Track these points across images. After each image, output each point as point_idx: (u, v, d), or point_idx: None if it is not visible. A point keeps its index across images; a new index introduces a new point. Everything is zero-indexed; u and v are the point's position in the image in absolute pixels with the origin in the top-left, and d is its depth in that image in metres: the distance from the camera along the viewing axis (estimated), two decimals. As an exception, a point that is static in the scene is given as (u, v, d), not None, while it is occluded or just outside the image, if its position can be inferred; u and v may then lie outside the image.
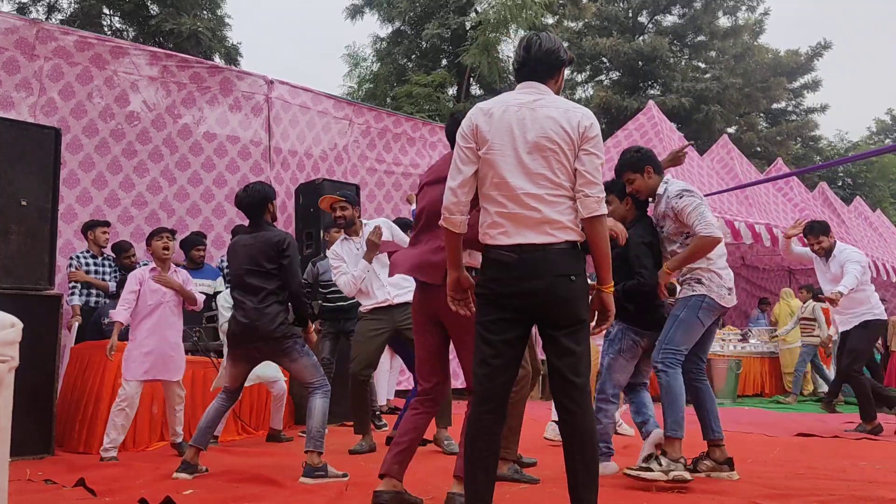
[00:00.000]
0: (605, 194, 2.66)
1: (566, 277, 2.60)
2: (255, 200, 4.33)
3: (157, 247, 5.06)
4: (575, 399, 2.59)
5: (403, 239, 5.26)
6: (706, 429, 4.27)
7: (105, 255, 6.75)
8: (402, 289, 5.15)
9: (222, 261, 7.36)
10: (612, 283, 2.74)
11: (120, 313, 4.91)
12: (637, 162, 4.38)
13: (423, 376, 3.33)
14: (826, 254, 6.40)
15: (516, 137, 2.67)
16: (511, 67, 2.78)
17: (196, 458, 4.22)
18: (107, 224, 6.77)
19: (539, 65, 2.81)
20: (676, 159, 4.90)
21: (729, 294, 4.19)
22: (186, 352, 5.51)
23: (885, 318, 6.64)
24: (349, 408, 5.61)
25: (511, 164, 2.67)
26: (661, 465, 3.91)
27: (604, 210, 2.63)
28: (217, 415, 4.41)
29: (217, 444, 5.29)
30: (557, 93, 2.85)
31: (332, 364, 6.17)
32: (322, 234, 7.26)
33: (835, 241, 6.50)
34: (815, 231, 6.38)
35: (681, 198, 4.13)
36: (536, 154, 2.65)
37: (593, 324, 2.75)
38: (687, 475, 3.86)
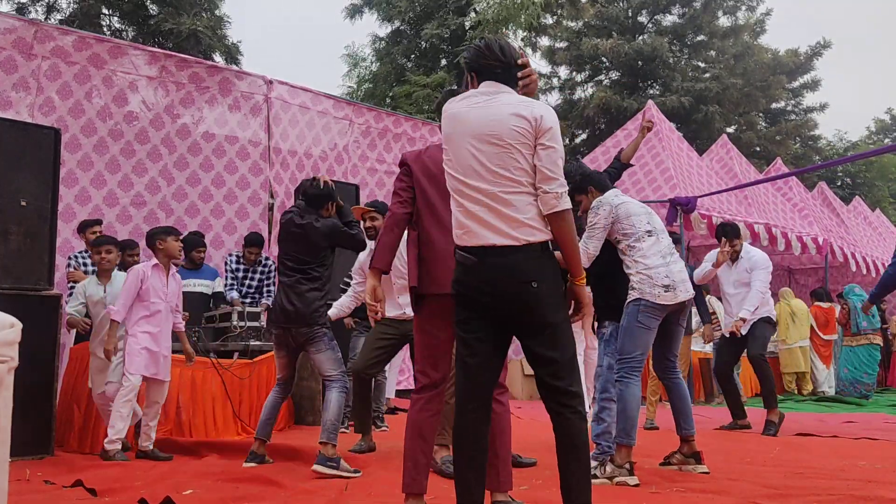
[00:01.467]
0: (565, 188, 2.57)
1: (527, 284, 2.54)
2: (321, 195, 4.69)
3: (174, 246, 5.10)
4: (562, 402, 2.56)
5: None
6: (677, 424, 4.41)
7: (104, 255, 6.75)
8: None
9: (227, 264, 7.37)
10: (584, 276, 2.68)
11: (118, 311, 4.90)
12: (580, 184, 4.49)
13: (432, 367, 3.08)
14: (734, 256, 6.44)
15: (468, 136, 2.65)
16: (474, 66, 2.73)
17: (263, 449, 4.58)
18: (98, 223, 6.75)
19: (506, 68, 2.77)
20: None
21: (666, 291, 4.16)
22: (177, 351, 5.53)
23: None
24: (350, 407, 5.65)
25: (464, 162, 2.65)
26: (605, 471, 4.01)
27: (564, 205, 2.55)
28: (274, 407, 4.72)
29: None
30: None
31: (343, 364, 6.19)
32: None
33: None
34: (730, 234, 6.36)
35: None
36: (490, 151, 2.60)
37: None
38: (631, 481, 3.92)
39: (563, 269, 2.69)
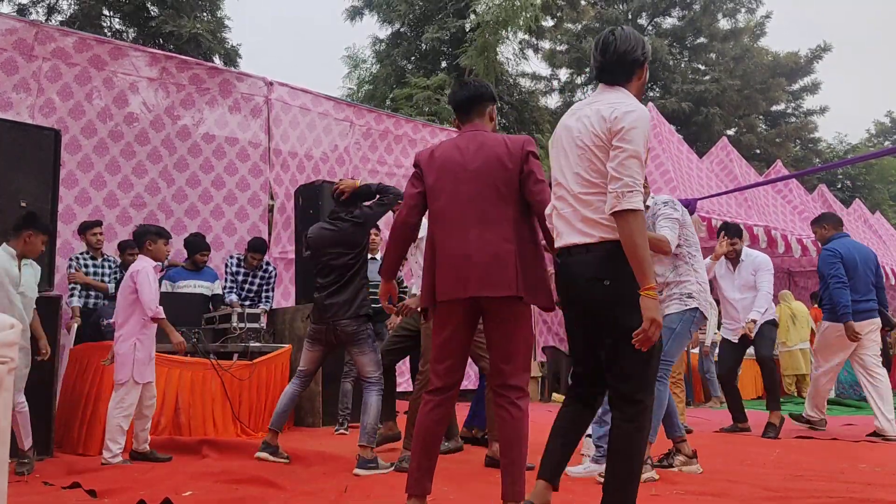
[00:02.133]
0: (630, 188, 2.50)
1: (600, 282, 2.58)
2: (349, 200, 4.72)
3: (163, 250, 5.03)
4: (618, 406, 2.64)
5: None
6: (670, 427, 4.46)
7: (105, 257, 6.75)
8: None
9: (227, 266, 7.37)
10: (652, 285, 2.48)
11: (160, 309, 4.80)
12: None
13: (447, 371, 3.01)
14: (735, 257, 6.36)
15: (563, 140, 2.76)
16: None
17: (276, 440, 4.61)
18: (98, 224, 6.75)
19: (613, 68, 2.80)
20: None
21: (711, 307, 4.26)
22: (186, 353, 5.52)
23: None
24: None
25: (560, 165, 2.76)
26: (677, 461, 4.17)
27: (626, 205, 2.48)
28: (291, 399, 4.78)
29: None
30: (639, 92, 2.86)
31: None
32: None
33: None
34: (731, 232, 6.27)
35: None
36: (575, 153, 2.70)
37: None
38: (655, 475, 4.04)
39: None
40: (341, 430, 6.28)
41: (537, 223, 3.01)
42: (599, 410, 4.43)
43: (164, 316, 4.82)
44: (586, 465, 4.42)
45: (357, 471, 4.27)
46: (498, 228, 2.92)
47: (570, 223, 2.67)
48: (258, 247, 7.33)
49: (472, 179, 2.98)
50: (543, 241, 2.99)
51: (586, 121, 2.67)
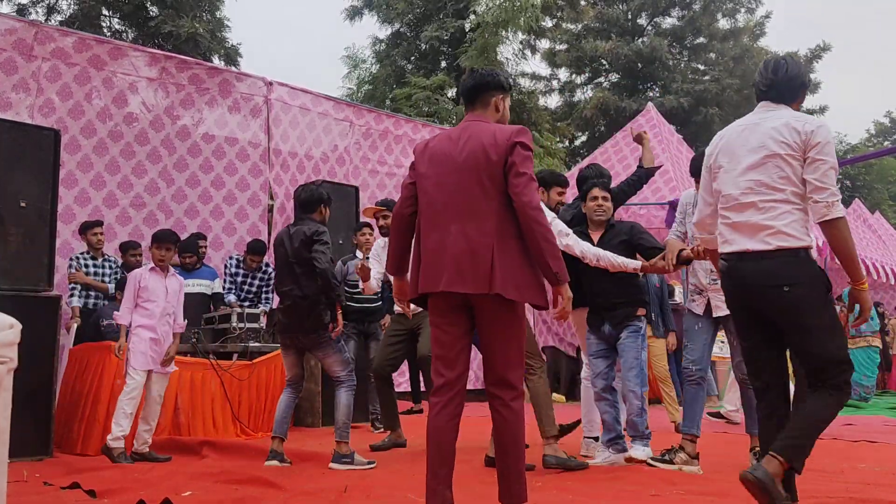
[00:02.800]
0: (836, 197, 2.77)
1: (779, 288, 2.80)
2: (312, 199, 4.76)
3: (154, 255, 5.15)
4: (821, 382, 2.84)
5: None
6: (690, 421, 4.51)
7: (105, 257, 6.75)
8: None
9: (227, 266, 7.37)
10: (864, 280, 2.87)
11: (123, 315, 5.01)
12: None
13: (445, 366, 2.90)
14: None
15: (736, 151, 2.97)
16: (756, 89, 3.00)
17: (281, 447, 4.68)
18: (98, 224, 6.76)
19: (783, 88, 3.03)
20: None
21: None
22: (185, 353, 5.52)
23: None
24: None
25: (727, 177, 2.99)
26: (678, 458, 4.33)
27: (836, 213, 2.76)
28: (288, 406, 4.83)
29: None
30: (798, 109, 3.08)
31: (352, 364, 6.22)
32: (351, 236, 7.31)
33: None
34: None
35: None
36: (754, 163, 2.91)
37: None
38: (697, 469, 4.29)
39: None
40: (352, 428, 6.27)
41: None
42: (611, 397, 4.55)
43: (123, 322, 5.02)
44: (605, 456, 4.53)
45: (332, 465, 4.50)
46: (479, 223, 2.80)
47: (744, 230, 2.89)
48: (258, 249, 7.33)
49: (458, 171, 2.87)
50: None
51: (774, 133, 2.88)
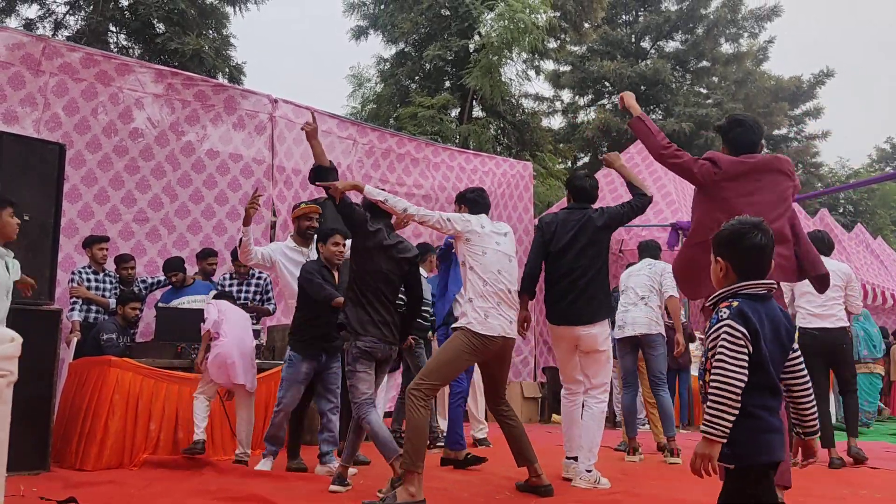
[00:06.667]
0: None
1: None
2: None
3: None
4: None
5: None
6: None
7: (106, 272, 6.76)
8: None
9: (223, 278, 7.35)
10: None
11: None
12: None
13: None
14: None
15: None
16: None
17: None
18: (105, 240, 6.78)
19: None
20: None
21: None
22: (184, 369, 5.53)
23: None
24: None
25: None
26: None
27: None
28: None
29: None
30: None
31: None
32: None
33: None
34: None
35: None
36: None
37: None
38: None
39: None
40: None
41: None
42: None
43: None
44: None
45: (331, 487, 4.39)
46: None
47: None
48: None
49: None
50: None
51: None
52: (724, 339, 2.17)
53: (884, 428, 10.67)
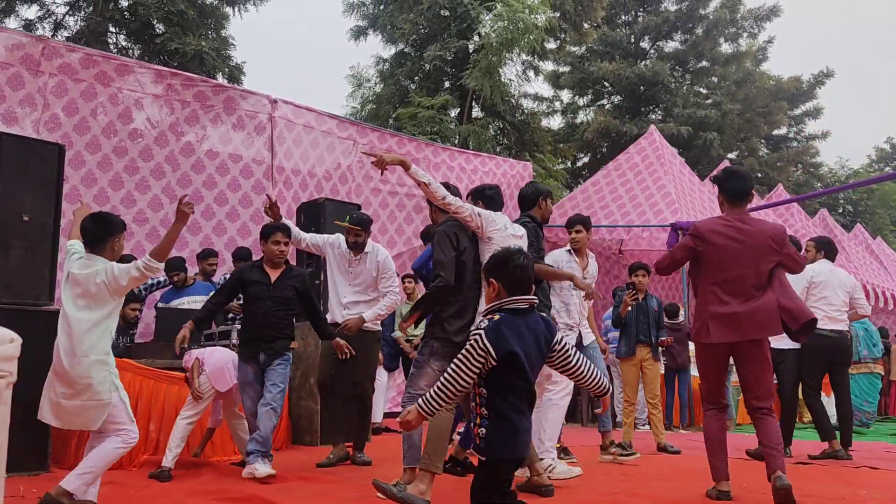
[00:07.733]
0: None
1: None
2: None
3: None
4: None
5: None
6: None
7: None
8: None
9: (223, 278, 7.34)
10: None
11: None
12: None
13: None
14: None
15: None
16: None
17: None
18: None
19: None
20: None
21: None
22: (184, 370, 5.51)
23: None
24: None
25: None
26: None
27: None
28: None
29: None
30: None
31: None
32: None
33: None
34: None
35: None
36: None
37: None
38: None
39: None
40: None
41: None
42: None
43: None
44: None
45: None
46: None
47: None
48: (243, 255, 7.28)
49: None
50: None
51: None
52: (469, 345, 2.55)
53: (884, 428, 10.68)
